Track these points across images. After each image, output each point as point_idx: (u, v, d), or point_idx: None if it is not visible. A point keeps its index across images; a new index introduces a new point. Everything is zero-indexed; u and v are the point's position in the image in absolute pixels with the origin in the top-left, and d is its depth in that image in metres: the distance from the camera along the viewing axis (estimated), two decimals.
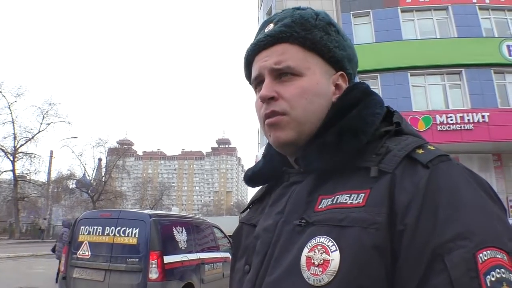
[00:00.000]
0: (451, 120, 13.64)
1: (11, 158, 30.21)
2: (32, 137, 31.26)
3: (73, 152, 43.79)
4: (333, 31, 0.80)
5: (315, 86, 0.76)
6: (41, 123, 31.89)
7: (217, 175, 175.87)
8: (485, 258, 0.52)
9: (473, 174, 0.63)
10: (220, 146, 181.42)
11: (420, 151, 0.65)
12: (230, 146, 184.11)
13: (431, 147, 0.67)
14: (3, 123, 29.96)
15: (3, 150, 29.99)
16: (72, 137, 34.83)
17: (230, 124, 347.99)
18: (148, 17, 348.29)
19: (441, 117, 13.73)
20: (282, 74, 0.76)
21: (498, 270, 0.52)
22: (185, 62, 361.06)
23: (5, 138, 30.34)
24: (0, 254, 15.53)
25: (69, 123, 35.58)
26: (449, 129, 13.55)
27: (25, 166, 31.53)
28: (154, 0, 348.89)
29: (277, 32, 0.78)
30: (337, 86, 0.80)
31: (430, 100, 14.79)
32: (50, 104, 32.75)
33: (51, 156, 32.42)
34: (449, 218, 0.56)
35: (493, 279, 0.51)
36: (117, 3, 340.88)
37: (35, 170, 31.69)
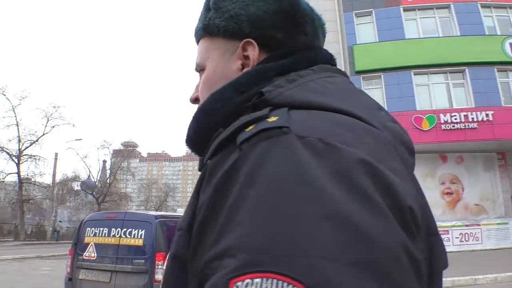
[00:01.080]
0: (455, 119, 13.58)
1: (16, 160, 30.31)
2: (37, 140, 31.32)
3: (77, 154, 44.13)
4: None
5: (211, 76, 0.66)
6: (45, 126, 31.92)
7: None
8: None
9: (333, 156, 0.40)
10: None
11: (250, 127, 0.45)
12: None
13: (273, 118, 0.45)
14: (7, 126, 30.00)
15: (8, 153, 30.07)
16: (76, 140, 35.26)
17: None
18: (153, 20, 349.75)
19: (445, 116, 13.68)
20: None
21: None
22: (189, 63, 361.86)
23: (9, 141, 30.40)
24: (5, 255, 15.56)
25: (74, 126, 35.78)
26: (453, 128, 13.49)
27: (30, 168, 31.66)
28: (160, 4, 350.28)
29: (194, 32, 0.73)
30: (247, 58, 0.63)
31: (434, 99, 14.73)
32: (54, 107, 32.94)
33: (56, 158, 32.52)
34: (226, 224, 0.39)
35: None
36: (123, 5, 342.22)
37: (40, 172, 31.75)
